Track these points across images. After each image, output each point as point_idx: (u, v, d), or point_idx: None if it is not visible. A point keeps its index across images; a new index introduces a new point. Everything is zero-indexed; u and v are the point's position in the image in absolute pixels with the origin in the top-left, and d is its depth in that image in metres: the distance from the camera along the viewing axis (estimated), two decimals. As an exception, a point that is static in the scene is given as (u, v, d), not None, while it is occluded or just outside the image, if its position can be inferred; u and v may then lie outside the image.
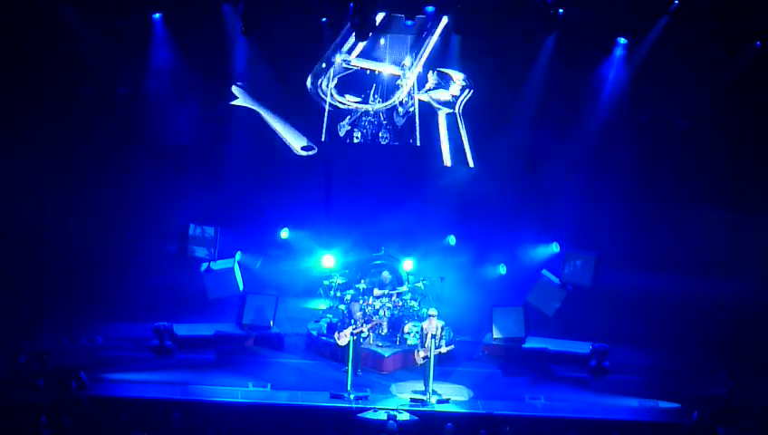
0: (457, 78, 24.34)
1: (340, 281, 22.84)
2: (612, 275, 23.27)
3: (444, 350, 19.39)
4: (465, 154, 24.70)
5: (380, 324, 21.21)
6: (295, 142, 24.58)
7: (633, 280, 23.42)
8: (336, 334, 20.35)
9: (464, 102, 24.50)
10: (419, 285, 22.51)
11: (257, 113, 24.62)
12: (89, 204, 23.48)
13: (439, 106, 24.55)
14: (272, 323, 21.99)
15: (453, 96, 24.42)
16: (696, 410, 18.26)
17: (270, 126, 24.65)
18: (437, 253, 24.69)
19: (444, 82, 24.43)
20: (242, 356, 21.12)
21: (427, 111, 25.07)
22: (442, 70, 24.39)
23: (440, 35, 24.36)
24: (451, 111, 24.49)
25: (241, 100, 24.20)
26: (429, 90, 24.40)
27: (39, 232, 22.64)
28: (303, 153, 24.64)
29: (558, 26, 23.21)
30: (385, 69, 24.24)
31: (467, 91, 24.25)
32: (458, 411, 18.58)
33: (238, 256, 23.77)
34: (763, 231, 23.48)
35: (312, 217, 24.97)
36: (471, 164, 24.62)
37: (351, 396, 18.73)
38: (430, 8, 23.47)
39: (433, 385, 19.02)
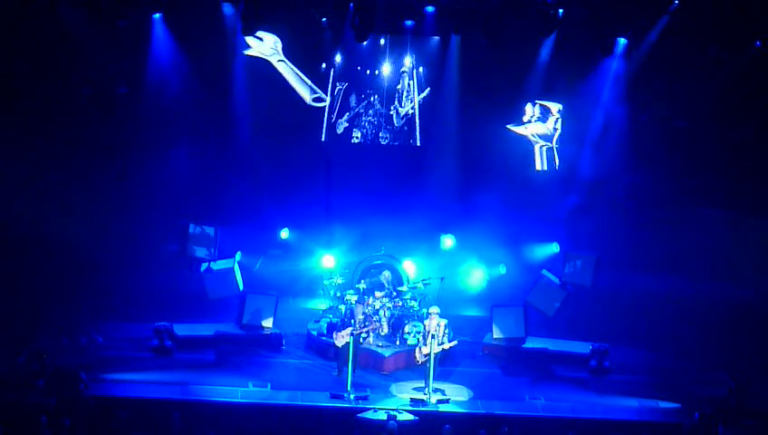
0: (555, 109, 24.10)
1: (340, 281, 22.83)
2: (612, 276, 23.24)
3: (447, 346, 19.39)
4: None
5: (378, 327, 21.19)
6: (306, 94, 24.69)
7: (633, 280, 23.43)
8: (335, 334, 20.33)
9: (559, 135, 24.27)
10: (419, 285, 22.50)
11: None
12: (88, 203, 23.45)
13: (537, 139, 24.27)
14: (271, 323, 21.98)
15: (549, 129, 24.14)
16: (697, 411, 18.25)
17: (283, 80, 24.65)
18: (438, 253, 24.69)
19: (543, 114, 24.16)
20: (242, 356, 21.09)
21: (428, 112, 25.08)
22: (542, 102, 24.15)
23: (440, 35, 24.42)
24: (549, 144, 24.31)
25: (254, 50, 24.13)
26: (528, 122, 24.05)
27: (39, 232, 22.57)
28: (315, 104, 24.77)
29: (558, 26, 23.20)
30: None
31: (561, 121, 24.04)
32: (458, 411, 18.57)
33: (238, 256, 23.73)
34: (763, 231, 23.46)
35: (312, 217, 24.96)
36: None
37: (351, 396, 18.72)
38: (430, 8, 23.46)
39: (433, 385, 19.03)
